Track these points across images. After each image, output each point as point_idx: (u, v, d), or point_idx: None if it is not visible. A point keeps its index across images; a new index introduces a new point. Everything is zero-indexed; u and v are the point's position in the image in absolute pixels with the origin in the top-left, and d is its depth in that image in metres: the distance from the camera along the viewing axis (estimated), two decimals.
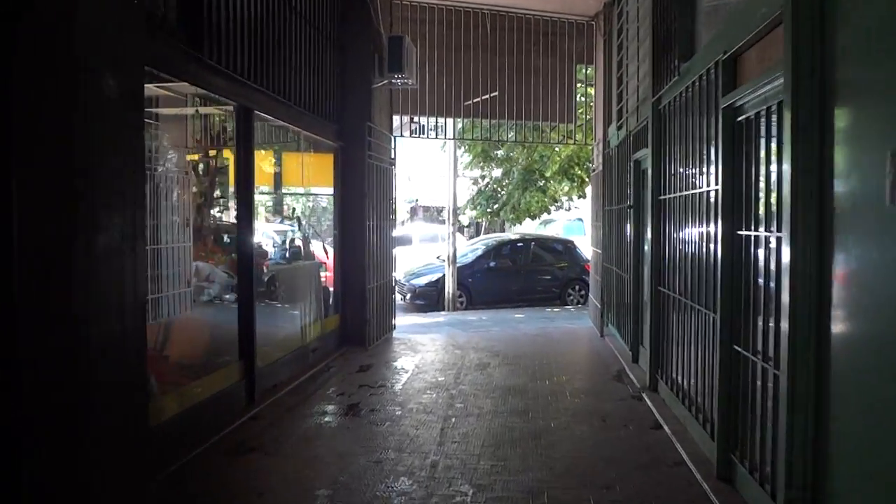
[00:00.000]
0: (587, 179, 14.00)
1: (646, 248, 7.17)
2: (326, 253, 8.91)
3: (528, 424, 5.52)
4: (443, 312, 13.63)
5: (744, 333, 4.03)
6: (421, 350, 8.87)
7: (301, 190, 8.97)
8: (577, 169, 13.92)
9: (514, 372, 7.48)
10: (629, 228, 7.99)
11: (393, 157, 9.95)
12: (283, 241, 8.05)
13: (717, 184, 4.41)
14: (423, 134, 12.48)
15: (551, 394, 6.49)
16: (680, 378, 5.58)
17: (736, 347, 4.11)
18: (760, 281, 3.82)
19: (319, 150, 8.78)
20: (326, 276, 9.01)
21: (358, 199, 8.61)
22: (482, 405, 6.07)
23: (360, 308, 8.72)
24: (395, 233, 21.21)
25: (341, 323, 8.85)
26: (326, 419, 5.79)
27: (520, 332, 10.72)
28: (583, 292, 15.35)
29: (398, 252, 18.54)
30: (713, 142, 4.51)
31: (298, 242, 8.29)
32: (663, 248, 6.20)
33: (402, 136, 12.85)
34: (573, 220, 21.94)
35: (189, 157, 5.91)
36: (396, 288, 15.37)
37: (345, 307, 8.87)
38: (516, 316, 13.05)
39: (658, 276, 6.30)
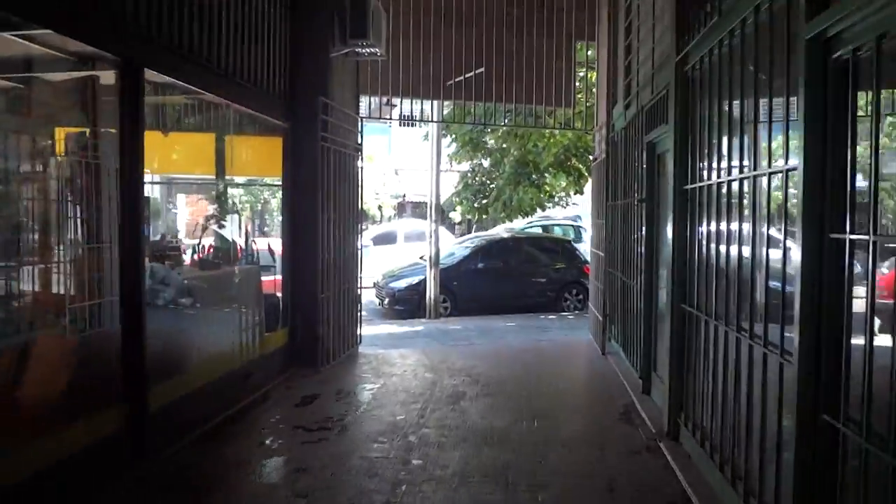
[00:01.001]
0: (586, 173, 12.50)
1: (663, 252, 5.67)
2: (273, 254, 7.40)
3: (506, 498, 4.01)
4: (423, 320, 12.12)
5: (843, 398, 2.53)
6: (385, 372, 7.36)
7: (241, 179, 7.45)
8: (574, 161, 12.35)
9: (494, 407, 5.96)
10: (639, 227, 6.50)
11: (359, 142, 8.42)
12: (210, 241, 6.51)
13: (793, 160, 2.91)
14: (402, 118, 10.97)
15: (541, 443, 4.97)
16: (715, 430, 4.08)
17: (827, 419, 2.61)
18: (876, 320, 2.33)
19: (265, 132, 7.27)
20: (276, 280, 7.51)
21: (310, 191, 7.08)
22: (447, 462, 4.55)
23: (311, 321, 7.20)
24: (379, 230, 19.75)
25: (290, 339, 7.33)
26: (231, 481, 4.28)
27: (508, 347, 9.22)
28: (581, 297, 13.85)
29: (381, 252, 17.26)
30: (787, 94, 3.00)
31: (230, 242, 6.76)
32: (691, 254, 4.69)
33: (376, 119, 11.35)
34: (569, 220, 20.44)
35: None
36: (375, 292, 13.92)
37: (294, 320, 7.35)
38: (506, 325, 11.54)
39: (682, 290, 4.79)
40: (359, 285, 8.47)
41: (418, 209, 24.49)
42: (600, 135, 9.08)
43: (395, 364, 7.83)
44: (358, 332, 8.53)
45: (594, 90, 10.70)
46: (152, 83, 5.07)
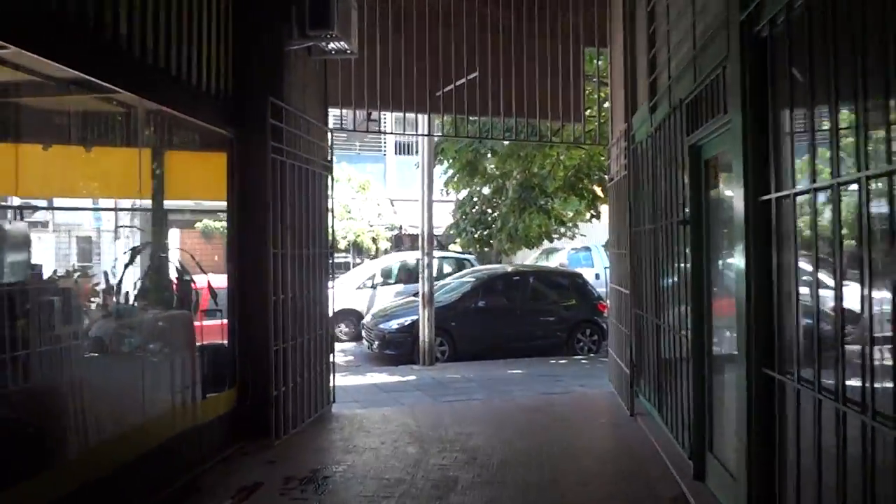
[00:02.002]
0: (601, 195, 11.01)
1: (721, 289, 4.18)
2: (215, 295, 5.92)
3: None
4: (416, 367, 10.56)
5: None
6: (358, 445, 5.81)
7: (174, 203, 6.01)
8: (586, 181, 10.86)
9: None
10: (680, 257, 5.00)
11: (329, 158, 7.00)
12: (123, 280, 5.00)
13: None
14: (395, 144, 9.55)
15: None
16: None
17: None
18: None
19: (205, 144, 5.86)
20: (222, 324, 6.02)
21: (259, 216, 5.62)
22: None
23: (262, 380, 5.69)
24: (372, 266, 18.18)
25: (238, 402, 5.82)
26: None
27: (513, 406, 7.65)
28: (595, 337, 12.31)
29: (377, 290, 15.72)
30: None
31: (149, 280, 5.28)
32: (779, 295, 3.19)
33: (362, 132, 9.96)
34: (579, 250, 18.95)
35: None
36: (364, 334, 12.38)
37: (243, 379, 5.85)
38: (511, 373, 9.98)
39: (764, 348, 3.28)
40: (328, 332, 6.97)
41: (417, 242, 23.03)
42: (617, 149, 7.64)
43: (372, 431, 6.28)
44: (331, 387, 7.01)
45: (606, 104, 9.33)
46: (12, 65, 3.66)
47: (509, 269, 13.09)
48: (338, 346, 13.38)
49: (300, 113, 6.19)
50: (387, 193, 21.42)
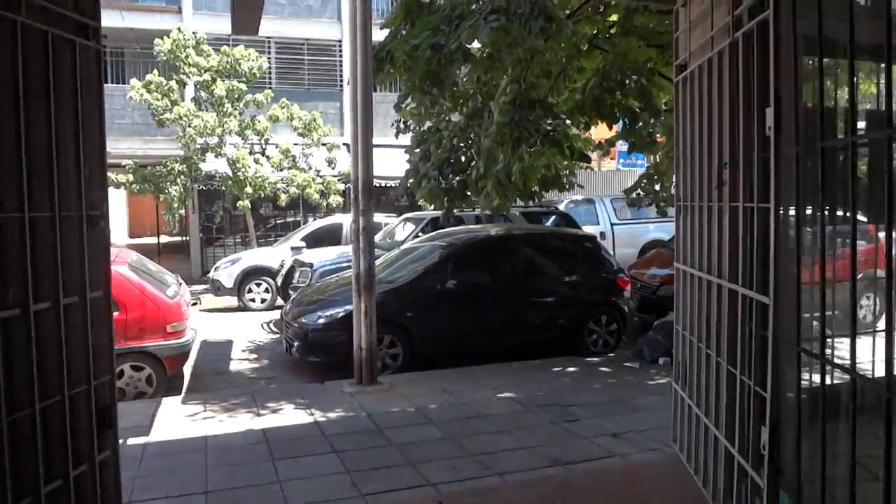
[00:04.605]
0: (639, 112, 6.96)
1: None
2: None
3: None
4: (349, 386, 6.83)
5: None
6: None
7: None
8: (619, 94, 6.56)
9: None
10: None
11: (92, 11, 3.10)
12: None
13: None
14: None
15: None
16: None
17: None
18: None
19: None
20: None
21: None
22: None
23: None
24: (315, 224, 14.30)
25: None
26: None
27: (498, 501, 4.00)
28: (613, 326, 8.68)
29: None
30: None
31: None
32: None
33: None
34: (580, 203, 15.19)
35: None
36: (286, 332, 8.67)
37: None
38: (495, 400, 6.31)
39: None
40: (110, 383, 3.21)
41: (384, 197, 19.15)
42: (702, 5, 3.82)
43: None
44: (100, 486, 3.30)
45: None
46: None
47: (493, 231, 9.33)
48: (248, 343, 9.78)
49: None
50: (343, 139, 17.38)
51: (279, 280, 11.66)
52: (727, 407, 3.45)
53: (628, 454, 4.85)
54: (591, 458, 4.79)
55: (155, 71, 14.85)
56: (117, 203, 28.38)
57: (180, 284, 7.95)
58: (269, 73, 18.25)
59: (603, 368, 7.63)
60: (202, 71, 14.48)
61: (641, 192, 10.41)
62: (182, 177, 14.59)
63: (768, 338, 2.88)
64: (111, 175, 14.39)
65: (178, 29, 14.85)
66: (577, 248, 9.16)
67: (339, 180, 15.29)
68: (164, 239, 24.47)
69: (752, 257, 3.11)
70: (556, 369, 7.54)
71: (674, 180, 4.64)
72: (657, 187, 9.93)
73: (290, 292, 10.27)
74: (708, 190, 3.71)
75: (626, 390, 6.63)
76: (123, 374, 6.85)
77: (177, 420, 5.88)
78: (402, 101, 7.65)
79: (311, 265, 10.53)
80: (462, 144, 8.23)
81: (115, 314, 6.68)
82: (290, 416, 5.94)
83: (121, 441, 5.33)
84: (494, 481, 4.36)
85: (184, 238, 20.87)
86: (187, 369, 8.11)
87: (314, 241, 12.79)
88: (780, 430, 2.91)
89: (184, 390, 7.48)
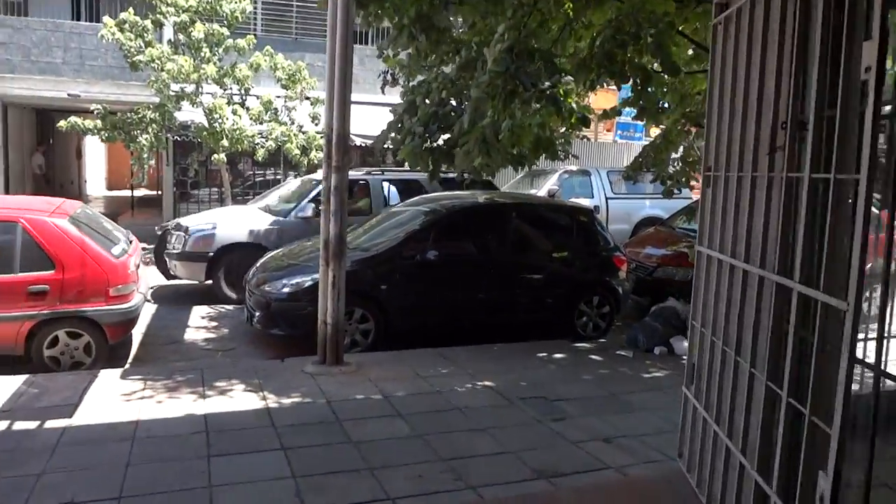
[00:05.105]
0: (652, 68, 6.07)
1: None
2: None
3: None
4: (312, 365, 6.08)
5: None
6: None
7: None
8: (632, 50, 5.58)
9: None
10: None
11: None
12: None
13: None
14: None
15: None
16: None
17: None
18: None
19: None
20: None
21: None
22: None
23: None
24: (296, 183, 13.21)
25: None
26: None
27: None
28: (605, 308, 7.99)
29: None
30: None
31: None
32: None
33: None
34: (574, 174, 14.35)
35: None
36: (247, 300, 7.87)
37: None
38: (473, 389, 5.60)
39: None
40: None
41: (370, 158, 18.22)
42: None
43: None
44: None
45: None
46: None
47: (481, 199, 8.53)
48: (210, 310, 8.75)
49: None
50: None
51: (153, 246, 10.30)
52: (762, 433, 2.74)
53: (624, 466, 4.15)
54: (580, 469, 4.09)
55: (131, 9, 13.76)
56: (97, 153, 27.28)
57: (130, 242, 7.11)
58: (255, 18, 17.17)
59: (594, 356, 6.94)
60: (180, 11, 13.41)
61: (645, 167, 9.62)
62: (154, 125, 13.60)
63: (841, 353, 2.14)
64: (78, 121, 13.40)
65: None
66: (572, 221, 8.39)
67: (321, 136, 14.34)
68: (142, 192, 23.50)
69: (819, 246, 2.36)
70: (541, 355, 6.83)
71: (701, 145, 3.87)
72: (671, 161, 9.16)
73: (165, 259, 9.44)
74: (754, 156, 2.94)
75: (619, 384, 5.94)
76: (58, 342, 6.09)
77: (110, 399, 5.13)
78: (388, 46, 6.75)
79: (186, 229, 9.25)
80: (452, 99, 7.37)
81: (51, 273, 6.05)
82: (239, 399, 5.20)
83: (37, 424, 4.63)
84: (467, 498, 3.65)
85: (158, 192, 19.92)
86: (137, 336, 7.35)
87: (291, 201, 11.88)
88: (844, 477, 2.20)
89: (129, 361, 6.72)
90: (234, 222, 9.56)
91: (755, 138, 2.95)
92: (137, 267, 6.84)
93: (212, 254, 8.98)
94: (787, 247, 2.63)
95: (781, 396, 2.57)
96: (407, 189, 10.19)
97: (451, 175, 9.83)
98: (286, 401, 5.18)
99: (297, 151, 14.18)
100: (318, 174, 11.24)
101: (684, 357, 6.89)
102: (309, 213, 9.60)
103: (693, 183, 11.76)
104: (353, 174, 10.28)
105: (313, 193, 9.72)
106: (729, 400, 3.12)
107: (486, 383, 5.75)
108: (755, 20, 3.01)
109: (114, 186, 28.29)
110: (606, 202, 13.83)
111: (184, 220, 9.83)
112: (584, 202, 12.45)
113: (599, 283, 8.09)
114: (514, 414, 5.04)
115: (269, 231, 9.44)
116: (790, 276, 2.56)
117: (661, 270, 8.92)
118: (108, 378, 5.66)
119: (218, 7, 13.57)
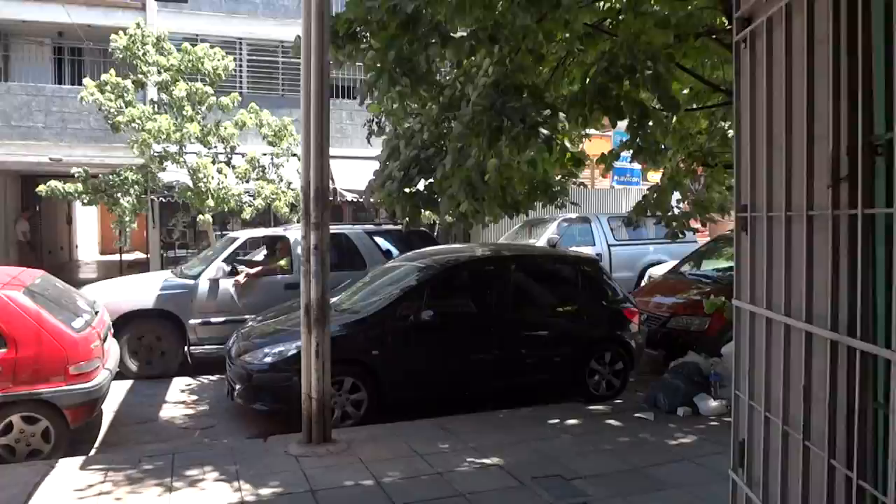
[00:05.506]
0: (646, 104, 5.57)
1: None
2: None
3: None
4: (295, 445, 5.41)
5: None
6: None
7: None
8: (627, 83, 5.01)
9: None
10: None
11: None
12: None
13: None
14: None
15: None
16: None
17: None
18: None
19: None
20: None
21: None
22: None
23: None
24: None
25: None
26: None
27: None
28: (619, 366, 7.34)
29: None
30: None
31: None
32: None
33: None
34: (574, 222, 13.83)
35: None
36: (228, 372, 7.19)
37: None
38: (480, 470, 4.92)
39: None
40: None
41: (363, 213, 17.77)
42: None
43: None
44: None
45: None
46: None
47: (479, 252, 7.98)
48: (188, 382, 7.98)
49: None
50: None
51: None
52: None
53: None
54: None
55: (112, 71, 13.45)
56: (89, 218, 26.87)
57: (97, 313, 6.51)
58: (240, 75, 16.93)
59: (611, 420, 6.28)
60: (162, 70, 13.10)
61: (649, 211, 9.10)
62: (136, 187, 13.15)
63: None
64: (59, 185, 12.95)
65: (137, 24, 13.47)
66: (577, 272, 7.82)
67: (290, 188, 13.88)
68: (133, 255, 22.98)
69: None
70: (553, 421, 6.18)
71: (731, 184, 3.32)
72: (674, 201, 8.65)
73: None
74: (808, 192, 2.39)
75: (642, 454, 5.27)
76: (12, 428, 5.43)
77: (62, 498, 4.46)
78: (368, 91, 6.26)
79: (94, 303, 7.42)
80: (434, 143, 6.88)
81: (2, 351, 5.43)
82: (210, 491, 4.54)
83: None
84: None
85: (148, 255, 19.37)
86: (108, 415, 6.68)
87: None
88: None
89: (96, 445, 6.04)
90: (137, 288, 8.72)
91: (808, 171, 2.41)
92: (104, 340, 6.22)
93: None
94: (857, 300, 2.05)
95: (870, 493, 1.95)
96: (337, 245, 9.01)
97: (389, 226, 9.74)
98: (264, 491, 4.52)
99: (286, 209, 13.69)
100: (239, 232, 10.56)
101: (712, 418, 6.29)
102: (219, 274, 8.75)
103: (697, 226, 11.20)
104: (287, 232, 9.68)
105: (226, 252, 9.07)
106: (798, 490, 2.49)
107: (494, 460, 5.09)
108: (793, 29, 2.50)
109: (107, 251, 27.78)
110: (609, 249, 13.28)
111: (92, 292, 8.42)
112: (586, 250, 11.93)
113: (610, 338, 7.47)
114: (528, 499, 4.37)
115: (176, 296, 8.52)
116: (868, 337, 1.99)
117: (674, 320, 8.30)
118: (66, 469, 5.00)
119: (200, 65, 13.26)
